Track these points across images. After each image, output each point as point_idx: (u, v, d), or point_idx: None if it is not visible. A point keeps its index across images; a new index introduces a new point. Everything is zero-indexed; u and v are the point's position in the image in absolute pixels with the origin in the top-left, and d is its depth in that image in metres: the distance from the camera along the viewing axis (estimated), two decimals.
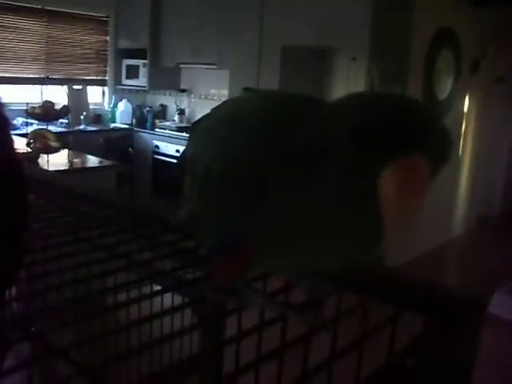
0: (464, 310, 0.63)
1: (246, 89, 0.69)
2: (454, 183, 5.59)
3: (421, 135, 0.43)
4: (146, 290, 0.71)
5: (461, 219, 5.93)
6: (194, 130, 0.68)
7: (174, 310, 0.61)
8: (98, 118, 6.26)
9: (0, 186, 0.49)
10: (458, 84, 5.15)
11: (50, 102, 4.30)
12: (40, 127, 4.24)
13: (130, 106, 6.43)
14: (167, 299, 0.73)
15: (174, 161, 5.10)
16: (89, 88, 6.23)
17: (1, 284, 0.47)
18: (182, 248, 0.77)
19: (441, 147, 0.45)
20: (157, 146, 5.84)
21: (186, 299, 0.64)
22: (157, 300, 0.72)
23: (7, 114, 0.52)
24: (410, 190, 0.42)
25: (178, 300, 0.66)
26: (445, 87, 5.03)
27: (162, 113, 6.58)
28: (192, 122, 4.35)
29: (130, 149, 6.10)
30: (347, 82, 4.43)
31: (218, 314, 0.66)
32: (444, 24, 4.79)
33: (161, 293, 0.67)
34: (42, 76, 5.76)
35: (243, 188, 0.52)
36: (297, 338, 0.55)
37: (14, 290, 0.61)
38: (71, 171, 3.73)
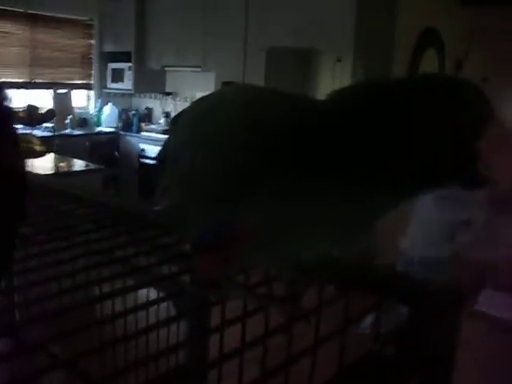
0: (445, 302, 0.63)
1: (226, 83, 0.70)
2: None
3: None
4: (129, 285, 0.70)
5: None
6: (175, 124, 0.68)
7: (158, 302, 0.61)
8: (83, 121, 6.23)
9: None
10: None
11: (35, 106, 4.28)
12: (24, 132, 4.21)
13: (115, 110, 6.41)
14: (149, 295, 0.73)
15: None
16: (74, 92, 6.21)
17: None
18: (161, 244, 0.77)
19: None
20: (143, 150, 5.82)
21: (166, 293, 0.64)
22: (135, 295, 0.71)
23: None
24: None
25: (160, 295, 0.66)
26: None
27: (147, 116, 6.56)
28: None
29: (116, 152, 6.08)
30: (332, 82, 4.44)
31: (201, 305, 0.66)
32: (429, 24, 4.81)
33: (143, 287, 0.67)
34: (27, 80, 5.72)
35: (228, 180, 0.52)
36: (279, 327, 0.55)
37: None
38: (57, 175, 3.71)
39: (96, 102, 6.46)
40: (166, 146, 0.67)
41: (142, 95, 6.62)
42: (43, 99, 5.51)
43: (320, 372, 0.60)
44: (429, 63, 4.94)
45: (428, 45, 4.90)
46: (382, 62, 4.39)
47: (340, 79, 4.34)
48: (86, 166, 4.07)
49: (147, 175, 5.68)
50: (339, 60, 4.42)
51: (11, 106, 0.45)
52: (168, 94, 6.38)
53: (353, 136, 0.47)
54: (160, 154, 0.68)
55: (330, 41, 4.27)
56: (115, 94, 6.52)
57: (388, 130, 0.47)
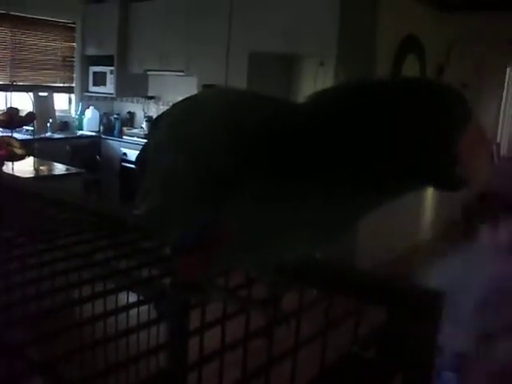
0: (424, 304, 0.64)
1: (206, 86, 0.70)
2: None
3: None
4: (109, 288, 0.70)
5: (429, 224, 5.98)
6: (156, 126, 0.68)
7: (138, 304, 0.61)
8: (64, 125, 6.17)
9: None
10: None
11: (15, 108, 4.24)
12: (4, 134, 4.17)
13: (97, 114, 6.37)
14: (129, 298, 0.73)
15: None
16: (55, 95, 6.15)
17: None
18: (142, 247, 0.77)
19: None
20: (125, 154, 5.79)
21: (147, 296, 0.64)
22: (116, 298, 0.71)
23: None
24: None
25: (140, 298, 0.66)
26: None
27: (129, 120, 6.52)
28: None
29: (98, 156, 6.04)
30: (314, 86, 4.46)
31: (181, 308, 0.66)
32: (410, 30, 4.85)
33: (123, 290, 0.67)
34: (7, 82, 5.66)
35: (210, 183, 0.52)
36: (259, 329, 0.55)
37: None
38: (37, 179, 3.67)
39: (77, 105, 6.42)
40: (145, 148, 0.67)
41: (124, 99, 6.59)
42: (24, 102, 5.46)
43: (302, 374, 0.60)
44: (410, 68, 4.98)
45: (409, 50, 4.94)
46: (365, 66, 4.41)
47: (322, 82, 4.35)
48: (67, 169, 4.05)
49: (129, 179, 5.65)
50: (322, 64, 4.44)
51: None
52: (150, 97, 6.35)
53: (335, 137, 0.48)
54: (140, 155, 0.68)
55: (313, 45, 4.28)
56: (97, 98, 6.48)
57: (372, 130, 0.47)
